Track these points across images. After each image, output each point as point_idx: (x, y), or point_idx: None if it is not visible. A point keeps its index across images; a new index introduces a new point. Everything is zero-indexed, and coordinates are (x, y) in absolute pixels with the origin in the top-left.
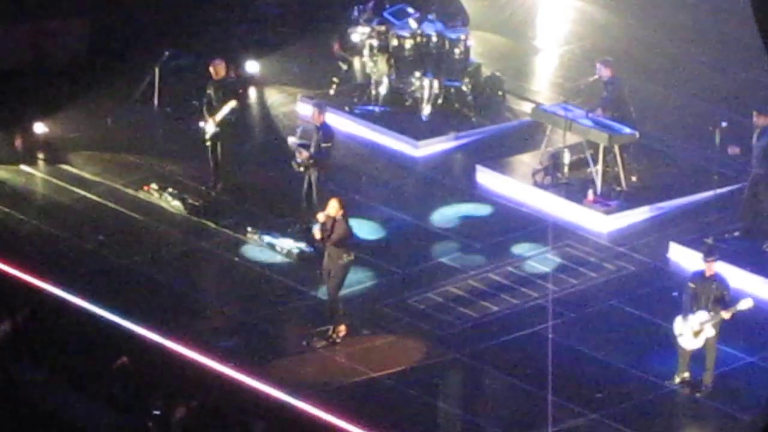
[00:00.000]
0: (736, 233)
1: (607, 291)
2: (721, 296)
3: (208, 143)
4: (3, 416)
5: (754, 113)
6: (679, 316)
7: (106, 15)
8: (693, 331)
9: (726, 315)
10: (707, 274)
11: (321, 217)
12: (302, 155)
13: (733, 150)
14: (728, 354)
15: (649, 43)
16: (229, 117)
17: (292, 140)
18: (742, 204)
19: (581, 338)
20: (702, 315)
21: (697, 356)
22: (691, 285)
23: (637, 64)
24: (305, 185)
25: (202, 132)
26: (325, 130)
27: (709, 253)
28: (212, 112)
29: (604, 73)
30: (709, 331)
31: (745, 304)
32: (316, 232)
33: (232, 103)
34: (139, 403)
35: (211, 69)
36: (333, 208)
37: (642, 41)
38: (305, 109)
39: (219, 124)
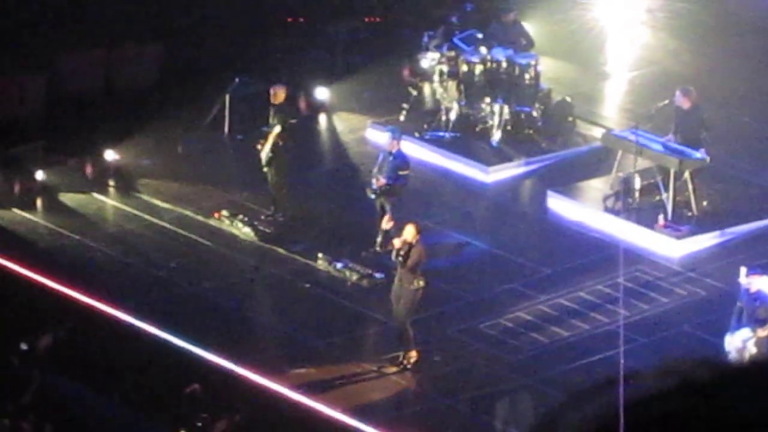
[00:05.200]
0: None
1: (678, 316)
2: (764, 314)
3: (265, 169)
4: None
5: None
6: (727, 334)
7: (176, 41)
8: (737, 348)
9: (762, 333)
10: (751, 290)
11: (397, 242)
12: (379, 182)
13: None
14: None
15: (719, 68)
16: (277, 145)
17: (374, 183)
18: None
19: (652, 363)
20: (744, 332)
21: None
22: (738, 302)
23: (708, 88)
24: (379, 211)
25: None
26: (401, 158)
27: (750, 269)
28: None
29: (684, 102)
30: (752, 349)
31: None
32: (393, 256)
33: (276, 129)
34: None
35: (271, 92)
36: (410, 233)
37: (712, 66)
38: (375, 136)
39: (271, 151)
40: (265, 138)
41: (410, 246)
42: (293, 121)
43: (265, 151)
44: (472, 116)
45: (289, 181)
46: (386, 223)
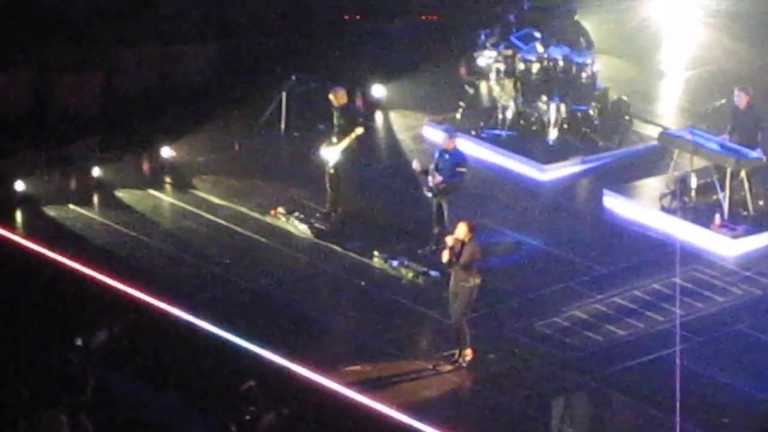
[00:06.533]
0: None
1: (734, 315)
2: None
3: (331, 170)
4: (102, 423)
5: None
6: None
7: (233, 39)
8: None
9: None
10: None
11: (450, 240)
12: (435, 180)
13: None
14: None
15: None
16: (351, 146)
17: (416, 164)
18: None
19: (708, 363)
20: None
21: None
22: None
23: (763, 88)
24: (434, 209)
25: (324, 157)
26: (459, 155)
27: None
28: (336, 138)
29: (741, 101)
30: None
31: None
32: (445, 256)
33: (359, 130)
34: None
35: (331, 96)
36: (462, 231)
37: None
38: (431, 133)
39: (343, 152)
40: (329, 139)
41: (463, 244)
42: (362, 121)
43: (334, 153)
44: (528, 114)
45: (345, 179)
46: (449, 239)
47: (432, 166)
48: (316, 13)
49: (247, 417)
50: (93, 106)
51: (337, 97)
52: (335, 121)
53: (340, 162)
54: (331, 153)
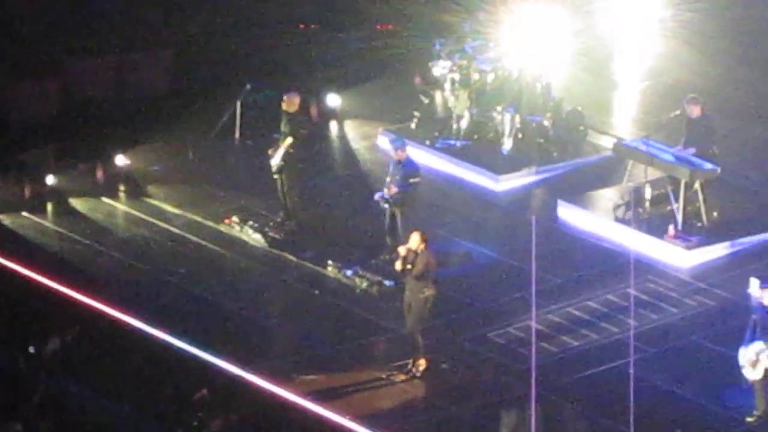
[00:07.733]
0: None
1: (688, 326)
2: None
3: (275, 176)
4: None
5: None
6: (741, 347)
7: (187, 48)
8: (750, 361)
9: None
10: (764, 303)
11: (402, 250)
12: (391, 191)
13: None
14: None
15: (730, 78)
16: (289, 154)
17: (378, 196)
18: None
19: (661, 374)
20: (758, 345)
21: None
22: (753, 315)
23: (719, 99)
24: (387, 219)
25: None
26: (411, 165)
27: (763, 282)
28: (281, 144)
29: (694, 111)
30: (765, 362)
31: None
32: (398, 265)
33: (288, 141)
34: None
35: (284, 99)
36: (415, 241)
37: (724, 77)
38: (386, 143)
39: (282, 159)
40: (277, 146)
41: (416, 254)
42: (304, 132)
43: (276, 159)
44: (483, 125)
45: (299, 188)
46: (402, 249)
47: (388, 178)
48: (272, 23)
49: (195, 423)
50: (48, 114)
51: (288, 103)
52: (282, 127)
53: (283, 168)
54: (273, 160)
